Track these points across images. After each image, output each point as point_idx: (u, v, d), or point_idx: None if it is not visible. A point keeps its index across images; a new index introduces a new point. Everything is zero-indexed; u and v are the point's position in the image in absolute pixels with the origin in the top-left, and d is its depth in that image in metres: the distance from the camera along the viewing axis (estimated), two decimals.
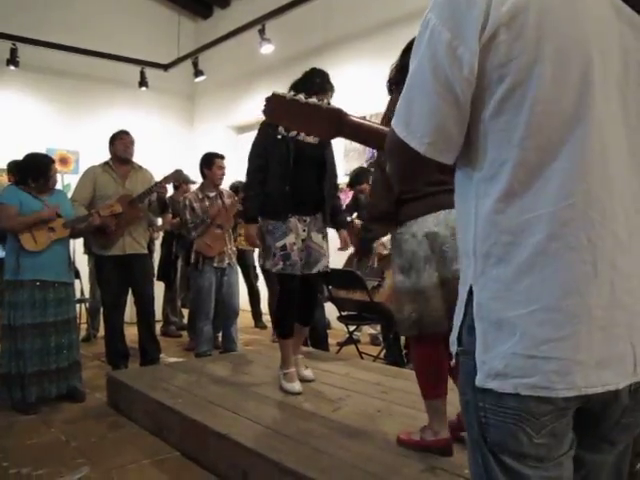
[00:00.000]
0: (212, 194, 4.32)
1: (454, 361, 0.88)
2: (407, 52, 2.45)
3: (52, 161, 3.49)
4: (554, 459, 0.80)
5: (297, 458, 2.09)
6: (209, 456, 2.45)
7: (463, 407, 0.87)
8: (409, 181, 1.00)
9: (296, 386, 3.00)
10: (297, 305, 3.09)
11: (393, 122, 0.84)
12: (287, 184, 2.95)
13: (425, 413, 2.13)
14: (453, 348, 0.88)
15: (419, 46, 0.80)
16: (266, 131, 2.95)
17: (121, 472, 2.44)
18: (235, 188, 4.94)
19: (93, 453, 2.65)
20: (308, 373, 3.23)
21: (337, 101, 3.32)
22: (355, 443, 2.26)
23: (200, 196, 4.30)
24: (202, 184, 4.43)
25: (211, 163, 4.32)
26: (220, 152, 4.49)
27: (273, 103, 1.13)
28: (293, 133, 2.57)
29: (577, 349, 0.76)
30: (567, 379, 0.76)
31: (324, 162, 3.05)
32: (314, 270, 3.10)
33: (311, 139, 2.87)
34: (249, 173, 3.08)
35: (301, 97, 1.11)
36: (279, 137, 2.85)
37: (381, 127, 1.11)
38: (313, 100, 1.12)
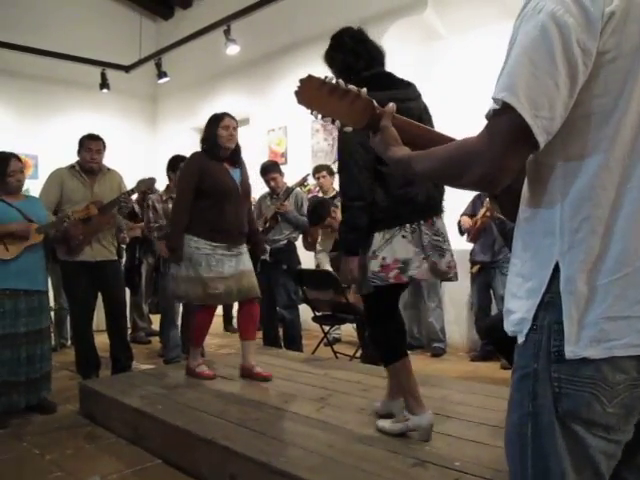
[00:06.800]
0: None
1: (523, 340, 0.91)
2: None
3: (14, 157, 3.26)
4: (619, 430, 0.86)
5: (286, 459, 2.08)
6: (193, 462, 2.40)
7: (521, 379, 0.91)
8: (506, 165, 0.87)
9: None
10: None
11: (502, 94, 0.83)
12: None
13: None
14: (519, 327, 0.91)
15: (532, 29, 0.83)
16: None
17: None
18: None
19: (70, 465, 2.56)
20: None
21: None
22: (343, 441, 2.26)
23: (164, 198, 4.25)
24: (167, 186, 4.38)
25: (177, 167, 4.26)
26: (185, 155, 4.42)
27: (308, 86, 1.08)
28: None
29: None
30: None
31: None
32: None
33: None
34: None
35: (339, 81, 1.07)
36: None
37: (417, 123, 1.10)
38: (352, 86, 1.08)
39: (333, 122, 1.12)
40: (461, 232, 4.57)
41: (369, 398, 2.82)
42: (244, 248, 3.42)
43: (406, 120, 1.14)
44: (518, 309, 0.92)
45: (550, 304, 0.87)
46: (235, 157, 3.39)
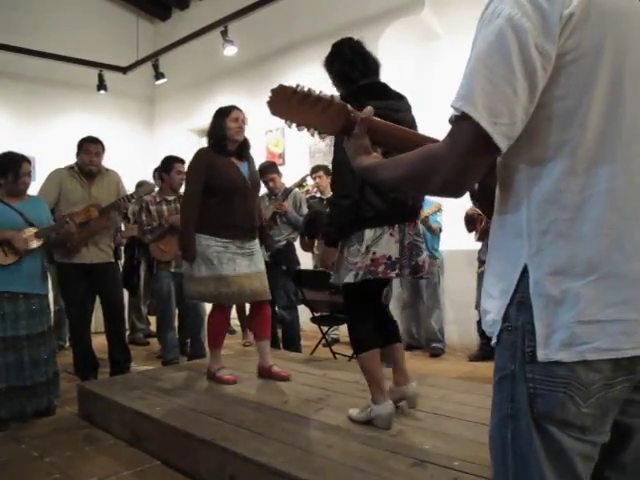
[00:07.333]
0: (170, 198, 4.26)
1: (495, 341, 0.90)
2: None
3: (25, 159, 3.27)
4: (595, 431, 0.85)
5: (286, 459, 2.07)
6: (192, 463, 2.40)
7: (500, 381, 0.90)
8: (465, 174, 0.87)
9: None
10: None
11: (459, 103, 0.83)
12: None
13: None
14: (493, 328, 0.91)
15: (490, 34, 0.83)
16: None
17: None
18: None
19: (69, 467, 2.56)
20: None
21: None
22: (342, 441, 2.26)
23: (158, 199, 4.25)
24: (160, 188, 4.39)
25: (170, 168, 4.28)
26: (182, 156, 4.43)
27: (278, 95, 1.07)
28: None
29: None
30: (633, 339, 0.82)
31: None
32: None
33: None
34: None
35: (311, 89, 1.06)
36: None
37: (395, 125, 1.08)
38: (323, 93, 1.07)
39: (308, 130, 1.10)
40: (469, 229, 4.55)
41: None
42: (257, 246, 3.36)
43: (391, 124, 1.12)
44: (492, 309, 0.91)
45: (522, 304, 0.86)
46: (242, 151, 3.32)
